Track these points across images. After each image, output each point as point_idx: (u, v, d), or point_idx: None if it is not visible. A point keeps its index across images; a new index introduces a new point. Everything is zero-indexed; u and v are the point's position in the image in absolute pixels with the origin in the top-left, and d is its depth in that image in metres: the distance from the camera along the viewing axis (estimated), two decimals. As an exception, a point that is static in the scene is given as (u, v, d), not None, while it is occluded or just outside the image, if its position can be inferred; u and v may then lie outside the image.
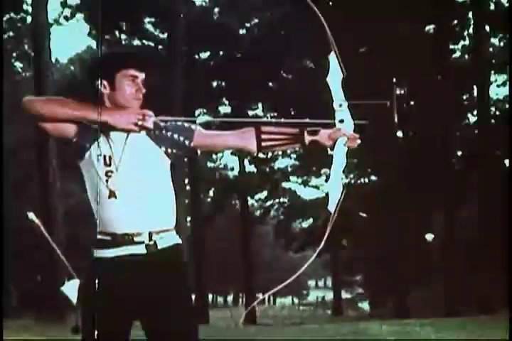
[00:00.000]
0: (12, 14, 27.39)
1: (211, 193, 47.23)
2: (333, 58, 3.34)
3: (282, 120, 3.44)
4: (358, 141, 3.37)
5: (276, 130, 3.48)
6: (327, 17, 3.35)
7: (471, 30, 29.09)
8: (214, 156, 44.77)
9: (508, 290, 17.44)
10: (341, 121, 3.35)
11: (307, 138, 3.41)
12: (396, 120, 3.42)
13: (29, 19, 27.21)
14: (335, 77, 3.34)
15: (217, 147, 3.72)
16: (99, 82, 3.39)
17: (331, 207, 3.29)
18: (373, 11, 25.29)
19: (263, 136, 3.45)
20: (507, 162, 28.95)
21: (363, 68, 23.63)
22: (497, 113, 31.31)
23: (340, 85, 3.33)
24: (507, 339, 8.97)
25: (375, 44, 26.84)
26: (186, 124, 3.53)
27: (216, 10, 33.47)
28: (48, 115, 3.31)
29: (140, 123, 3.32)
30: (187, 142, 3.48)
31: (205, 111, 36.10)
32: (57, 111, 3.31)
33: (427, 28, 30.74)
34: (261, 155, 36.05)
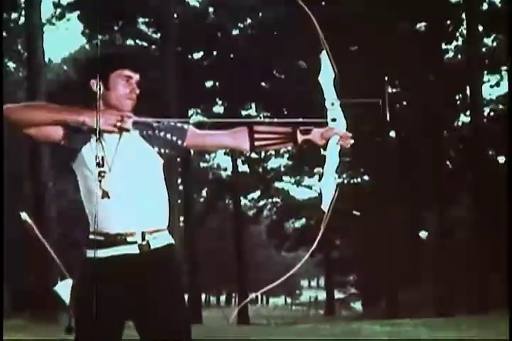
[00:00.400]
0: (5, 14, 27.29)
1: (204, 193, 47.27)
2: (324, 57, 3.35)
3: (275, 120, 3.44)
4: (351, 140, 3.37)
5: (269, 129, 3.49)
6: (319, 16, 3.35)
7: (464, 31, 29.11)
8: (207, 156, 44.83)
9: (508, 290, 17.43)
10: (333, 120, 3.35)
11: (300, 138, 3.42)
12: (388, 118, 3.42)
13: (22, 19, 27.18)
14: (327, 76, 3.34)
15: (210, 147, 3.74)
16: (98, 80, 3.38)
17: (325, 206, 3.29)
18: (366, 10, 25.30)
19: (256, 136, 3.46)
20: (500, 160, 29.03)
21: (355, 67, 23.66)
22: (491, 113, 31.37)
23: (332, 84, 3.33)
24: (507, 339, 8.99)
25: (367, 43, 26.83)
26: (179, 124, 3.54)
27: (209, 10, 33.48)
28: (26, 121, 3.31)
29: (119, 124, 3.32)
30: (179, 142, 3.50)
31: (198, 111, 36.14)
32: (34, 115, 3.31)
33: (420, 27, 30.76)
34: (254, 155, 36.13)
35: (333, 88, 3.32)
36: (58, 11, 30.34)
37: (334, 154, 3.34)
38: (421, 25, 30.57)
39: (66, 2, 29.89)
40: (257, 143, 3.47)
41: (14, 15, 29.43)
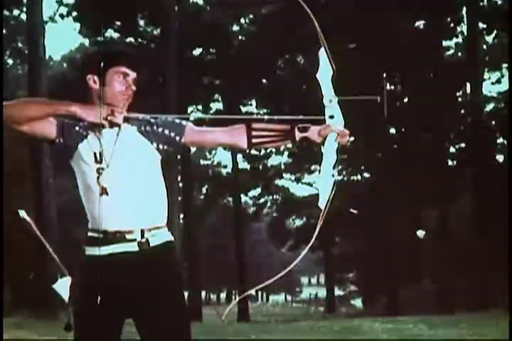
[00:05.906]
0: (6, 11, 27.31)
1: (204, 190, 47.29)
2: (322, 54, 3.34)
3: (275, 117, 3.43)
4: (349, 137, 3.36)
5: (267, 127, 3.47)
6: (318, 13, 3.34)
7: (464, 28, 29.10)
8: (207, 153, 44.85)
9: (508, 290, 17.44)
10: (331, 117, 3.34)
11: (297, 135, 3.40)
12: (386, 116, 3.42)
13: (23, 16, 27.20)
14: (325, 73, 3.33)
15: (208, 143, 3.72)
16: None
17: (322, 204, 3.28)
18: (366, 7, 25.27)
19: (253, 133, 3.44)
20: (499, 158, 29.02)
21: (354, 64, 23.64)
22: (490, 110, 31.37)
23: (330, 81, 3.32)
24: (507, 339, 9.00)
25: (366, 40, 26.80)
26: (177, 120, 3.52)
27: (209, 7, 33.44)
28: (18, 116, 3.28)
29: (109, 118, 3.32)
30: (178, 138, 3.48)
31: (198, 107, 36.14)
32: (25, 110, 3.29)
33: (420, 24, 30.74)
34: (254, 152, 36.12)
35: (331, 85, 3.31)
36: (61, 8, 30.38)
37: (331, 151, 3.33)
38: (421, 22, 30.56)
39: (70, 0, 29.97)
40: (254, 141, 3.45)
41: (16, 13, 29.49)
